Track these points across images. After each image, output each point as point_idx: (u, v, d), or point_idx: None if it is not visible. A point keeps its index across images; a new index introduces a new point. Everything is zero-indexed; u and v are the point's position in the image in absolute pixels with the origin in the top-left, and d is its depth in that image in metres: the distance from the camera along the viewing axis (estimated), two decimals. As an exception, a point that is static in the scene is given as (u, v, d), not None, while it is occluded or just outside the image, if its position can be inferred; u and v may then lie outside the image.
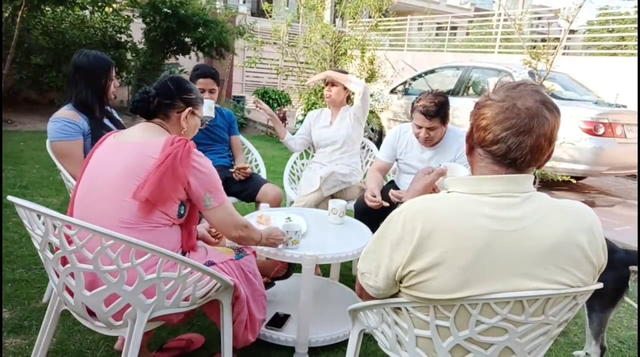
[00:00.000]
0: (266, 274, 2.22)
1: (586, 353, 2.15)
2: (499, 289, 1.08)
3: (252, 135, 8.26)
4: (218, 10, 9.45)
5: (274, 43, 8.09)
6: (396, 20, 12.48)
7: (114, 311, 1.45)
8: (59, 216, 1.35)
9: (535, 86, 1.13)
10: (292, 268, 2.29)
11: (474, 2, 24.21)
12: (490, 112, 1.11)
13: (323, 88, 3.23)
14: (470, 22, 15.13)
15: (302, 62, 7.92)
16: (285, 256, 1.99)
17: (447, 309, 1.13)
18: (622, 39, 10.67)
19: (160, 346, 2.02)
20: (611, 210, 5.14)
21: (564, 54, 9.01)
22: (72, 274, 1.43)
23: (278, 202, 2.78)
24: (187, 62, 9.48)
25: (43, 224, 1.40)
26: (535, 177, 4.67)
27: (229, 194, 2.82)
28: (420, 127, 2.48)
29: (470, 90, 6.60)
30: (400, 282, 1.18)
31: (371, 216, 2.43)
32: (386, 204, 2.40)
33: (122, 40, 8.84)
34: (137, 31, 8.90)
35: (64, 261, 1.43)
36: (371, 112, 7.29)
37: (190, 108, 1.68)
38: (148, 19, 8.57)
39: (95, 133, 2.18)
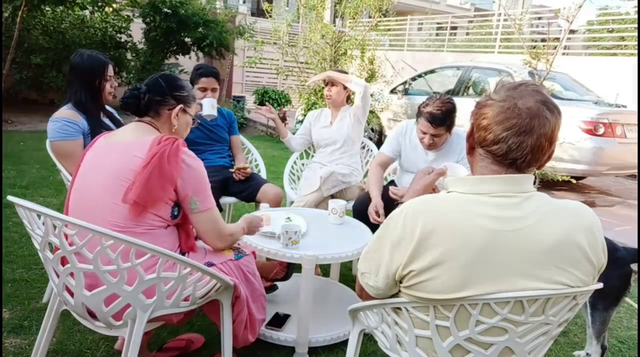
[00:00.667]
0: (265, 276, 2.22)
1: (587, 353, 2.15)
2: (499, 289, 1.08)
3: (252, 135, 8.26)
4: (218, 10, 9.46)
5: (274, 43, 8.09)
6: (396, 20, 12.48)
7: (114, 311, 1.45)
8: (59, 216, 1.35)
9: (536, 86, 1.13)
10: (291, 270, 2.29)
11: (474, 2, 24.23)
12: (491, 112, 1.11)
13: (323, 88, 3.22)
14: (470, 22, 15.14)
15: (302, 62, 7.92)
16: (285, 256, 1.99)
17: (447, 309, 1.13)
18: (622, 39, 10.66)
19: (160, 346, 2.02)
20: (611, 210, 5.14)
21: (564, 54, 9.00)
22: (72, 274, 1.43)
23: (278, 202, 2.78)
24: (187, 62, 9.48)
25: (43, 224, 1.40)
26: (535, 177, 4.67)
27: (229, 194, 2.87)
28: (425, 133, 2.43)
29: (470, 90, 6.60)
30: (400, 282, 1.18)
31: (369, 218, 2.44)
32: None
33: (122, 40, 8.85)
34: (137, 31, 8.91)
35: (64, 261, 1.43)
36: (371, 112, 7.29)
37: (181, 105, 1.65)
38: (148, 19, 8.58)
39: (95, 133, 2.18)
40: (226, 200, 2.85)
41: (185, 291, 1.52)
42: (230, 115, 3.09)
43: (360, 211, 2.58)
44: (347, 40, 7.52)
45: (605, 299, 1.92)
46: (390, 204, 2.35)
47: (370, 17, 7.66)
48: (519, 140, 1.08)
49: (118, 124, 2.35)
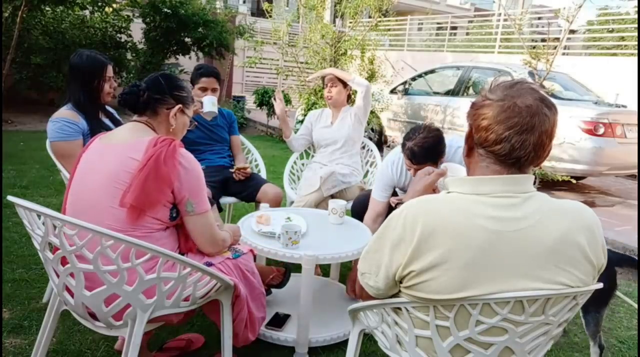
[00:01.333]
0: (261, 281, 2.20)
1: None
2: (499, 289, 1.08)
3: (252, 135, 8.26)
4: (218, 10, 9.46)
5: (274, 43, 8.09)
6: (396, 20, 12.48)
7: (114, 311, 1.45)
8: (59, 216, 1.35)
9: (531, 84, 1.13)
10: (287, 278, 2.27)
11: (474, 2, 24.23)
12: (491, 112, 1.11)
13: (322, 89, 3.22)
14: (470, 22, 15.13)
15: (302, 62, 7.92)
16: (285, 255, 1.99)
17: (447, 309, 1.13)
18: (622, 39, 10.66)
19: (160, 346, 2.02)
20: (611, 210, 5.14)
21: (564, 54, 9.00)
22: (72, 274, 1.43)
23: (278, 202, 2.78)
24: (187, 62, 9.49)
25: (43, 224, 1.40)
26: (535, 177, 4.67)
27: (229, 194, 2.87)
28: (409, 168, 2.20)
29: (470, 90, 6.60)
30: (401, 282, 1.18)
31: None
32: None
33: (122, 40, 8.85)
34: (137, 31, 8.91)
35: (64, 261, 1.43)
36: (371, 112, 7.27)
37: (180, 105, 1.64)
38: (148, 19, 8.58)
39: (95, 133, 2.17)
40: (226, 200, 2.85)
41: (186, 291, 1.52)
42: (230, 115, 3.10)
43: (359, 212, 2.58)
44: (347, 40, 7.53)
45: (595, 301, 1.93)
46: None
47: (370, 17, 7.66)
48: (521, 139, 1.08)
49: (118, 124, 2.35)
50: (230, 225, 1.90)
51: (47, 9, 7.70)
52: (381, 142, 7.67)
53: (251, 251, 1.92)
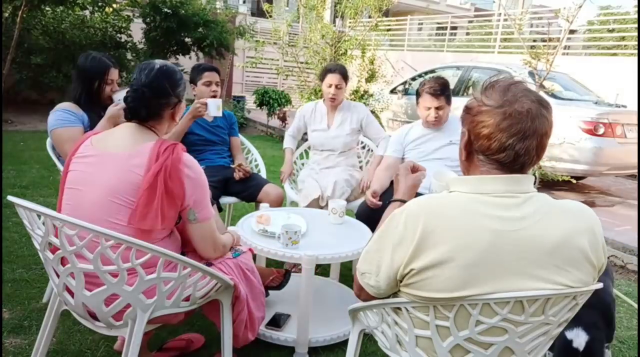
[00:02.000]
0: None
1: None
2: (500, 288, 1.08)
3: (252, 135, 8.27)
4: (218, 10, 9.46)
5: (274, 43, 8.10)
6: (396, 20, 12.49)
7: (114, 311, 1.45)
8: (59, 216, 1.35)
9: (523, 85, 1.13)
10: (286, 280, 2.27)
11: (474, 2, 24.23)
12: (492, 120, 1.10)
13: (322, 88, 3.21)
14: (470, 22, 15.14)
15: (302, 62, 7.93)
16: (285, 255, 1.99)
17: (447, 309, 1.13)
18: (623, 38, 10.67)
19: (160, 346, 2.02)
20: (611, 210, 5.14)
21: (564, 54, 9.01)
22: (72, 274, 1.43)
23: (279, 202, 2.78)
24: (187, 62, 9.47)
25: (43, 224, 1.40)
26: (536, 177, 4.67)
27: (229, 194, 2.87)
28: (429, 108, 2.67)
29: (470, 90, 6.61)
30: (401, 281, 1.17)
31: (373, 222, 2.41)
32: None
33: (122, 40, 8.84)
34: (137, 31, 8.90)
35: (64, 261, 1.43)
36: (371, 112, 7.29)
37: (181, 102, 1.62)
38: (148, 19, 8.57)
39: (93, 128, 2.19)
40: (226, 200, 2.85)
41: (186, 291, 1.52)
42: (230, 116, 3.10)
43: (364, 220, 2.54)
44: (347, 40, 7.53)
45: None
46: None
47: (370, 17, 7.67)
48: (525, 145, 1.08)
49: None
50: (232, 228, 1.90)
51: (47, 9, 7.70)
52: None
53: (250, 249, 1.92)
